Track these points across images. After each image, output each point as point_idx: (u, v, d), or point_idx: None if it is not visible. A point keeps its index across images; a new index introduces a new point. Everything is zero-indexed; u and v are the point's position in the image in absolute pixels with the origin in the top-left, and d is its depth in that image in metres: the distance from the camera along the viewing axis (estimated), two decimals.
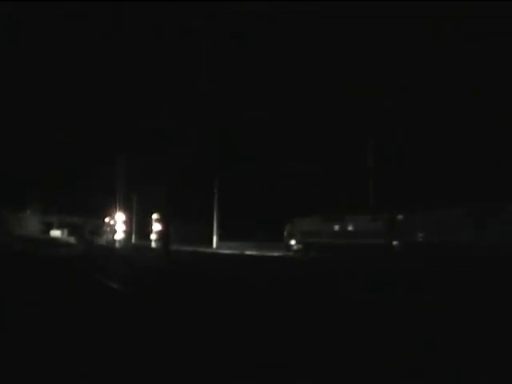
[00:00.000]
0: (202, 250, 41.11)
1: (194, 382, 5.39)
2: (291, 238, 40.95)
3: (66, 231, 68.41)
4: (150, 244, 59.67)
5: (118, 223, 64.64)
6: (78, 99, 58.60)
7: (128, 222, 69.22)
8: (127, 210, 67.97)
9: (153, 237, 62.91)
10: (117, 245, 56.96)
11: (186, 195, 53.53)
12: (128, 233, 69.89)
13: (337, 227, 37.31)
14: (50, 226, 68.62)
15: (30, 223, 66.45)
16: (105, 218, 75.05)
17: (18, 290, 12.81)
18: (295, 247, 39.92)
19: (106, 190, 62.55)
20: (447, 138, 43.46)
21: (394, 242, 32.15)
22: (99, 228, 74.57)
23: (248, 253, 34.36)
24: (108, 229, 74.90)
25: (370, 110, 47.66)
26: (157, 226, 65.19)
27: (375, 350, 7.11)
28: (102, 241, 67.88)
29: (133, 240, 69.85)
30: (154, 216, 66.11)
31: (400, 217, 31.97)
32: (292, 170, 50.80)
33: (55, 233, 68.19)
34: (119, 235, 61.57)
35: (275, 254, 36.10)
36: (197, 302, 11.11)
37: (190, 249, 42.73)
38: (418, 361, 6.30)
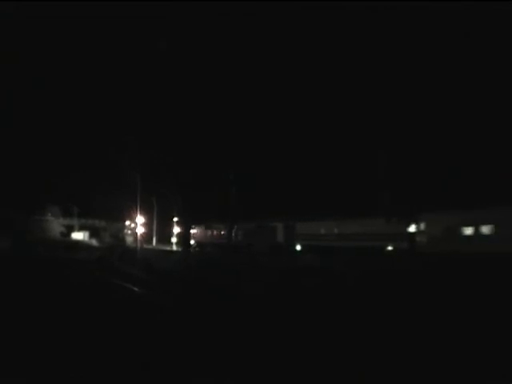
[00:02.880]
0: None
1: None
2: (191, 239, 65.89)
3: (87, 234, 70.34)
4: (171, 246, 61.47)
5: (139, 226, 66.20)
6: (99, 104, 59.26)
7: (148, 225, 71.34)
8: (147, 212, 68.47)
9: (173, 240, 65.37)
10: (138, 247, 57.71)
11: (201, 199, 56.91)
12: (148, 235, 71.88)
13: (209, 232, 66.18)
14: (71, 229, 70.69)
15: (51, 226, 68.62)
16: (125, 220, 77.14)
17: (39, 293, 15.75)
18: (193, 245, 65.18)
19: (126, 194, 62.92)
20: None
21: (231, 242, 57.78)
22: (120, 231, 76.73)
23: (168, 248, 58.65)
24: (129, 231, 77.94)
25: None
26: (177, 229, 67.30)
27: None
28: (124, 243, 69.23)
29: (153, 242, 71.79)
30: (175, 219, 68.48)
31: (235, 227, 58.50)
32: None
33: (77, 235, 70.30)
34: (141, 238, 63.15)
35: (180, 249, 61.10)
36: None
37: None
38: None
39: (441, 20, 49.57)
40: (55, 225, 69.24)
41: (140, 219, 63.47)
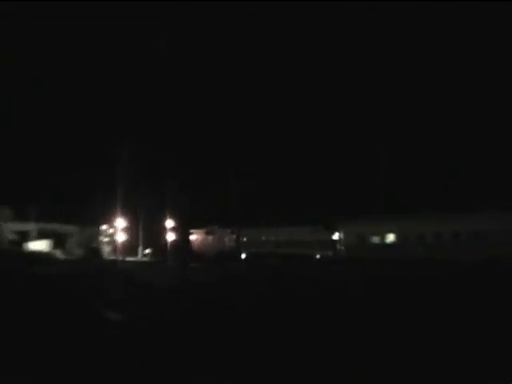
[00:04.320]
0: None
1: None
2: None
3: (48, 243, 64.08)
4: (163, 258, 57.16)
5: (118, 231, 63.02)
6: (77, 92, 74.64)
7: (132, 230, 66.50)
8: (131, 216, 65.53)
9: (147, 250, 66.39)
10: (119, 259, 55.74)
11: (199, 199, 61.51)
12: (132, 244, 66.50)
13: (209, 238, 65.44)
14: (26, 237, 63.91)
15: None
16: (101, 225, 71.65)
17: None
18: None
19: (102, 192, 60.73)
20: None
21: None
22: (94, 238, 71.27)
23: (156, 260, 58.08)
24: (106, 239, 72.03)
25: None
26: (171, 236, 63.65)
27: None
28: (98, 254, 64.32)
29: (139, 253, 66.70)
30: (168, 223, 63.35)
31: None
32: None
33: (35, 245, 64.27)
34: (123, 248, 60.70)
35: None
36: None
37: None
38: None
39: (441, 20, 59.32)
40: (3, 231, 61.86)
41: (120, 222, 62.04)
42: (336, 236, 49.04)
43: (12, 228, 64.23)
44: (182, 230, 63.28)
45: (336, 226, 49.00)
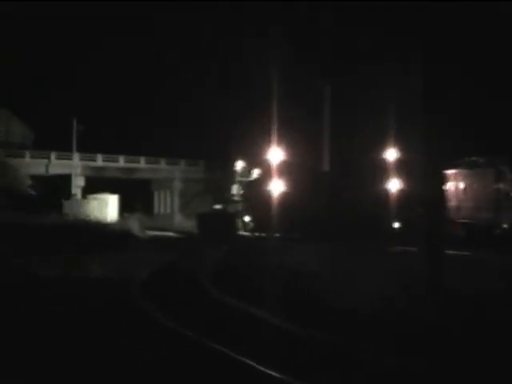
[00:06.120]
0: None
1: None
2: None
3: (114, 202, 40.20)
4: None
5: (274, 175, 40.18)
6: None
7: (299, 173, 42.89)
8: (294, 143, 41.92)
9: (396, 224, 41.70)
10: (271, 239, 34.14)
11: None
12: (299, 198, 41.21)
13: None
14: (63, 187, 41.75)
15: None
16: (234, 162, 49.95)
17: None
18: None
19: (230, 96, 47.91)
20: None
21: None
22: (217, 191, 48.97)
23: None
24: (242, 191, 48.51)
25: None
26: (394, 184, 41.62)
27: None
28: (234, 226, 43.98)
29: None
30: (390, 155, 43.20)
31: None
32: None
33: (82, 205, 41.28)
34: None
35: None
36: None
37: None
38: None
39: (441, 20, 43.03)
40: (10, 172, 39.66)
41: (277, 155, 40.03)
42: None
43: (30, 169, 41.51)
44: (426, 171, 33.50)
45: None
